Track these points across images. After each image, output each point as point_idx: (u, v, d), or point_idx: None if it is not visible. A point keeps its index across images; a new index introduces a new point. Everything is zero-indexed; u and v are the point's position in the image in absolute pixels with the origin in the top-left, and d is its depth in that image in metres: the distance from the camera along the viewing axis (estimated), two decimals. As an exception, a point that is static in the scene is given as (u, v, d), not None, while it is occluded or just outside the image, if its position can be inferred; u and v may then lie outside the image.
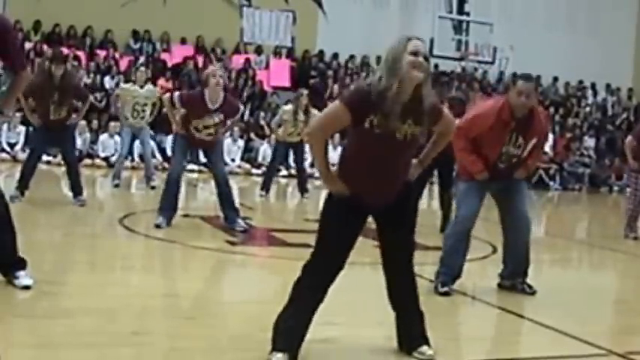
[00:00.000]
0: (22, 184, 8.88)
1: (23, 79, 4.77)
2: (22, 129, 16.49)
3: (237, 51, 21.17)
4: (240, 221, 8.02)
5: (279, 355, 3.62)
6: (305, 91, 12.16)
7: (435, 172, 9.13)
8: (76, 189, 9.11)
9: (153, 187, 11.72)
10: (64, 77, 8.76)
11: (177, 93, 8.11)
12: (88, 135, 16.88)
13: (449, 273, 5.56)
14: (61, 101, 8.75)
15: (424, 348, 3.87)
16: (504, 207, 5.73)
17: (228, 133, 8.40)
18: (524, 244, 5.75)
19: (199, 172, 15.77)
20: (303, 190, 12.54)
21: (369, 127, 3.56)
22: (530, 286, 5.76)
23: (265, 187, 12.36)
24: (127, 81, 14.13)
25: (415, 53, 3.58)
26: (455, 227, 5.68)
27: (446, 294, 5.45)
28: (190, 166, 16.44)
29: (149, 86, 12.14)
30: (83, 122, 16.45)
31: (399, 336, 3.96)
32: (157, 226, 7.67)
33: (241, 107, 8.50)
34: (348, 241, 3.76)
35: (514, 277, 5.81)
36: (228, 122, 8.08)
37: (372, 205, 3.76)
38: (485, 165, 5.49)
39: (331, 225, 3.75)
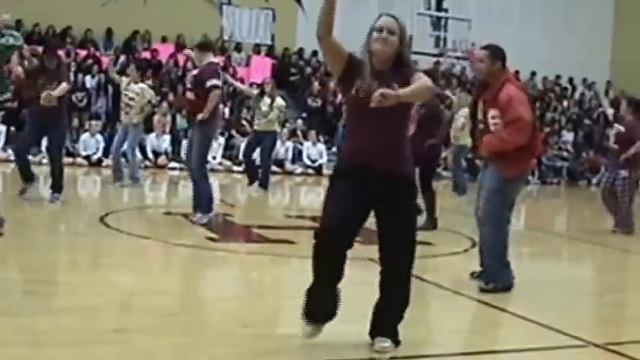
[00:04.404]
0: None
1: None
2: (2, 129, 16.38)
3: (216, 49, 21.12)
4: (199, 216, 8.02)
5: (309, 328, 3.90)
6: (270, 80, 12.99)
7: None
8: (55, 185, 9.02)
9: (123, 186, 11.53)
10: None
11: (215, 86, 8.21)
12: (67, 134, 16.76)
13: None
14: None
15: (382, 339, 3.89)
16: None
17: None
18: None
19: (181, 169, 15.73)
20: (262, 183, 12.40)
21: (355, 94, 3.92)
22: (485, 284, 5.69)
23: (263, 183, 12.29)
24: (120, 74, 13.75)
25: (379, 29, 4.07)
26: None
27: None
28: (172, 164, 16.45)
29: (141, 84, 11.99)
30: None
31: (372, 318, 3.98)
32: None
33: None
34: (345, 208, 3.79)
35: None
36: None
37: (367, 165, 3.85)
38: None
39: (332, 192, 3.90)
